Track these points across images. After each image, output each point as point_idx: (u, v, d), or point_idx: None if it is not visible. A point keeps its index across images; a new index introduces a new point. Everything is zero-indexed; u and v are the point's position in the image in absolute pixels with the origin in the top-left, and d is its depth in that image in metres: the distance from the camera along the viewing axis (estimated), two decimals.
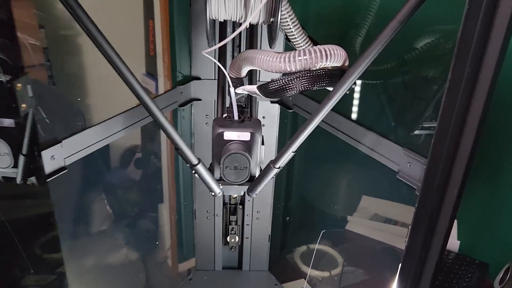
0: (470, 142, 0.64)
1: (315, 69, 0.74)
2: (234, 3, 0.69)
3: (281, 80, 0.73)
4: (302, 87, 0.73)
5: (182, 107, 1.18)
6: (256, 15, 0.71)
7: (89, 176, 1.19)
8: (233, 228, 1.43)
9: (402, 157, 0.89)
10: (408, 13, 0.62)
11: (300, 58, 0.72)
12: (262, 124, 1.30)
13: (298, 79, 0.73)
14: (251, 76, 1.06)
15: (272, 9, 0.69)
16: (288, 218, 1.60)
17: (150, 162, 1.41)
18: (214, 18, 0.73)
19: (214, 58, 0.92)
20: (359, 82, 1.08)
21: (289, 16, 0.87)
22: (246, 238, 1.45)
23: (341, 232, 1.55)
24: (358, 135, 0.98)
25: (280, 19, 0.87)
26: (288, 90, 0.74)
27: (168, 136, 0.77)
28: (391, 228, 1.46)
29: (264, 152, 0.86)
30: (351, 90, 0.77)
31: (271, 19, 0.73)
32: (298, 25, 0.88)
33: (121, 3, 1.19)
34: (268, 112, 1.25)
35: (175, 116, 1.27)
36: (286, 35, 0.91)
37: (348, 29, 1.10)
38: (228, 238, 1.45)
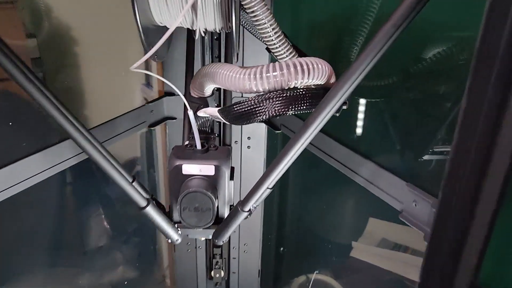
0: (501, 175, 0.46)
1: (291, 88, 0.57)
2: (178, 4, 0.53)
3: (247, 103, 0.57)
4: (275, 111, 0.57)
5: (153, 127, 1.02)
6: (208, 20, 0.55)
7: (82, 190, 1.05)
8: (217, 262, 1.26)
9: (406, 194, 0.72)
10: (406, 14, 0.46)
11: (270, 74, 0.56)
12: (247, 146, 1.16)
13: (269, 101, 0.57)
14: (225, 95, 0.90)
15: (228, 12, 0.53)
16: (282, 249, 1.43)
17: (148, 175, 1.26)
18: (159, 24, 0.57)
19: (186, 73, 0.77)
20: (354, 100, 0.92)
21: (268, 21, 0.71)
22: (233, 272, 1.28)
23: (344, 260, 1.39)
24: (353, 164, 0.82)
25: (258, 25, 0.72)
26: (256, 115, 0.58)
27: (108, 175, 0.61)
28: (401, 256, 1.30)
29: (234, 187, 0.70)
30: (340, 111, 0.60)
31: (229, 25, 0.57)
32: (279, 32, 0.72)
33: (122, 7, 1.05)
34: (254, 133, 1.09)
35: (149, 136, 1.11)
36: (267, 47, 0.76)
37: (342, 37, 0.93)
38: (212, 273, 1.28)
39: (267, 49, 0.77)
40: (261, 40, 0.76)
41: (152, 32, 0.55)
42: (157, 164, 1.17)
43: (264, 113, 0.57)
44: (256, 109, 0.57)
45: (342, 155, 0.84)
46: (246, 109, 0.58)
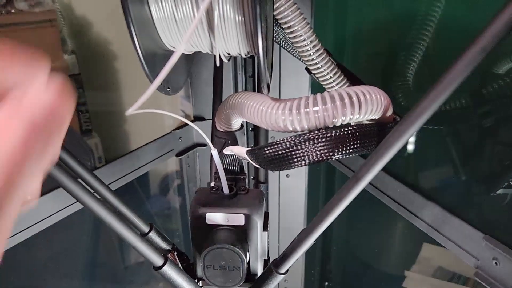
0: None
1: (337, 126, 0.45)
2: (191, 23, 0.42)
3: (281, 145, 0.46)
4: (317, 156, 0.45)
5: (180, 156, 0.92)
6: (230, 43, 0.44)
7: None
8: None
9: (484, 250, 0.57)
10: (498, 34, 0.32)
11: (310, 109, 0.44)
12: (286, 174, 1.03)
13: (309, 143, 0.45)
14: (258, 130, 0.78)
15: (253, 34, 0.41)
16: (326, 284, 1.29)
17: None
18: (170, 48, 0.47)
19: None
20: None
21: (307, 37, 0.60)
22: None
23: None
24: (412, 205, 0.68)
25: (295, 42, 0.61)
26: (293, 160, 0.46)
27: (114, 229, 0.51)
28: None
29: (269, 236, 0.58)
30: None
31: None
32: (320, 50, 0.61)
33: None
34: None
35: (180, 163, 1.02)
36: (306, 67, 0.64)
37: (395, 53, 0.80)
38: None
39: (307, 69, 0.65)
40: (299, 59, 0.65)
41: (160, 58, 0.45)
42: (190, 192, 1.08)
43: (303, 158, 0.45)
44: (293, 152, 0.45)
45: (399, 193, 0.70)
46: (281, 152, 0.46)
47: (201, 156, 0.97)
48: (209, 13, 0.41)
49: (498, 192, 0.73)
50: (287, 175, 0.98)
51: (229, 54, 0.47)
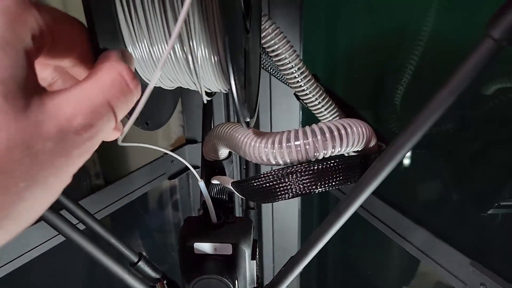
0: None
1: (320, 159, 0.46)
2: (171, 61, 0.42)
3: (265, 178, 0.46)
4: (300, 189, 0.46)
5: (173, 179, 0.93)
6: (208, 81, 0.44)
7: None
8: None
9: (470, 275, 0.57)
10: (468, 77, 0.33)
11: (291, 144, 0.44)
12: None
13: (292, 176, 0.45)
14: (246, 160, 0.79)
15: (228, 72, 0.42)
16: None
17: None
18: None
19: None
20: None
21: (295, 64, 0.61)
22: None
23: None
24: (402, 229, 0.68)
25: (283, 70, 0.62)
26: (277, 193, 0.46)
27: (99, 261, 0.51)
28: None
29: (256, 265, 0.58)
30: None
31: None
32: (308, 76, 0.62)
33: None
34: None
35: (173, 186, 1.02)
36: (295, 92, 0.65)
37: (383, 77, 0.81)
38: None
39: (295, 94, 0.66)
40: (288, 85, 0.66)
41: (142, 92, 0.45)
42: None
43: (287, 191, 0.46)
44: (278, 185, 0.46)
45: (388, 216, 0.70)
46: (265, 185, 0.46)
47: (193, 178, 0.98)
48: (185, 53, 0.41)
49: (489, 212, 0.73)
50: None
51: (210, 90, 0.48)
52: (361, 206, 0.65)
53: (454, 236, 0.63)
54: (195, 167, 0.95)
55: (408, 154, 0.74)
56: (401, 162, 0.77)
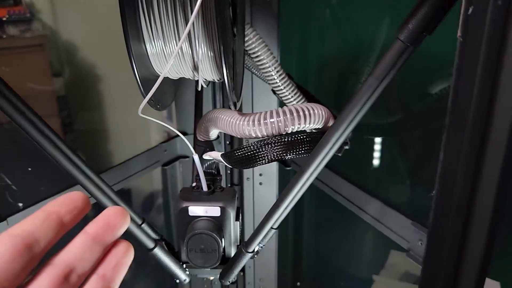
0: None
1: (289, 133, 0.60)
2: (176, 58, 0.56)
3: (247, 148, 0.60)
4: (274, 156, 0.59)
5: (166, 166, 1.05)
6: (205, 72, 0.58)
7: None
8: None
9: (412, 233, 0.72)
10: (389, 67, 0.48)
11: (267, 120, 0.58)
12: (259, 182, 1.17)
13: (268, 147, 0.59)
14: (232, 138, 0.93)
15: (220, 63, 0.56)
16: (298, 284, 1.42)
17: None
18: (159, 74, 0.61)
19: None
20: (361, 137, 0.93)
21: (271, 64, 0.75)
22: None
23: None
24: (360, 201, 0.82)
25: (262, 69, 0.75)
26: (257, 160, 0.60)
27: None
28: None
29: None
30: (342, 151, 0.62)
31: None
32: (283, 75, 0.75)
33: None
34: (266, 170, 1.11)
35: (163, 174, 1.14)
36: (272, 89, 0.79)
37: (348, 77, 0.96)
38: None
39: (273, 90, 0.80)
40: (266, 82, 0.79)
41: (152, 82, 0.59)
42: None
43: (264, 158, 0.59)
44: (257, 154, 0.59)
45: (349, 192, 0.85)
46: (247, 154, 0.60)
47: (184, 166, 1.10)
48: (190, 50, 0.55)
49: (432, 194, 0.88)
50: (260, 183, 1.12)
51: (206, 80, 0.61)
52: (326, 184, 0.79)
53: (400, 205, 0.77)
54: (185, 157, 1.09)
55: (369, 139, 0.88)
56: (360, 146, 0.92)
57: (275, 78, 0.76)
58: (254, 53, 0.74)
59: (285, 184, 1.16)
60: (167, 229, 1.25)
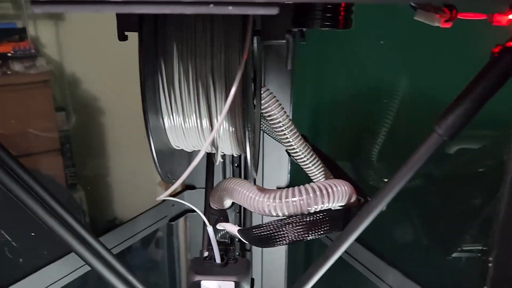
0: None
1: (311, 212, 0.57)
2: (195, 132, 0.54)
3: (266, 227, 0.56)
4: (295, 237, 0.56)
5: (173, 221, 1.02)
6: (224, 145, 0.56)
7: None
8: None
9: None
10: (425, 156, 0.45)
11: (289, 200, 0.55)
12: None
13: (289, 226, 0.56)
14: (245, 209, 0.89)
15: (243, 141, 0.53)
16: None
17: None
18: (175, 147, 0.59)
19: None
20: None
21: (287, 128, 0.72)
22: None
23: None
24: (379, 271, 0.78)
25: (276, 130, 0.73)
26: (276, 240, 0.57)
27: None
28: None
29: None
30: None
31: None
32: (299, 137, 0.73)
33: None
34: None
35: (169, 229, 1.11)
36: (286, 149, 0.76)
37: (362, 136, 0.93)
38: None
39: (287, 151, 0.77)
40: (280, 143, 0.77)
41: (166, 154, 0.57)
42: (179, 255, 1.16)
43: (284, 238, 0.56)
44: (276, 233, 0.56)
45: (367, 260, 0.81)
46: (266, 233, 0.57)
47: (191, 221, 1.07)
48: (210, 125, 0.53)
49: (453, 255, 0.84)
50: None
51: (223, 153, 0.59)
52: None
53: (422, 275, 0.73)
54: (193, 211, 1.05)
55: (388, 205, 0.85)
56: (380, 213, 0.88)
57: (290, 140, 0.73)
58: (269, 115, 0.72)
59: (295, 249, 1.13)
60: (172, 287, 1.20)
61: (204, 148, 0.44)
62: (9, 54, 2.12)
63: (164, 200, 1.00)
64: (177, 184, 0.43)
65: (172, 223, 1.02)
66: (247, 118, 0.48)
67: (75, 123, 2.32)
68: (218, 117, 0.52)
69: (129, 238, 0.90)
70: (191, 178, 1.03)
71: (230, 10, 0.28)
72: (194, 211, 1.04)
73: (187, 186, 1.04)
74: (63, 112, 2.40)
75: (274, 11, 0.28)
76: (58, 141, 2.31)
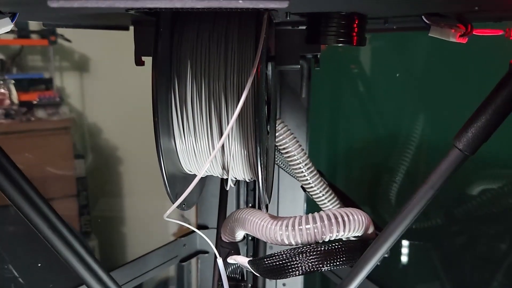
0: None
1: (326, 241, 0.54)
2: (206, 154, 0.53)
3: (278, 256, 0.54)
4: (309, 267, 0.53)
5: (183, 263, 0.98)
6: (236, 170, 0.54)
7: None
8: None
9: None
10: (445, 175, 0.43)
11: (302, 227, 0.53)
12: (283, 283, 1.09)
13: (302, 256, 0.53)
14: (257, 241, 0.87)
15: (254, 162, 0.52)
16: None
17: None
18: (187, 172, 0.57)
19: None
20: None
21: (302, 161, 0.71)
22: None
23: None
24: None
25: (292, 165, 0.72)
26: (288, 271, 0.54)
27: None
28: None
29: None
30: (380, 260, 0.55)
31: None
32: (314, 172, 0.71)
33: None
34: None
35: (180, 270, 1.07)
36: (301, 185, 0.74)
37: (380, 174, 0.91)
38: None
39: (302, 187, 0.75)
40: (296, 178, 0.75)
41: (179, 179, 0.55)
42: None
43: (297, 268, 0.53)
44: (289, 263, 0.53)
45: None
46: (278, 263, 0.54)
47: (203, 263, 1.03)
48: (222, 149, 0.52)
49: None
50: (284, 284, 1.03)
51: (235, 178, 0.57)
52: None
53: None
54: (205, 252, 1.02)
55: (405, 243, 0.82)
56: (396, 251, 0.84)
57: (306, 174, 0.72)
58: (284, 148, 0.71)
59: (310, 284, 1.08)
60: None
61: (208, 161, 0.42)
62: (35, 102, 2.21)
63: (174, 240, 0.98)
64: (178, 202, 0.42)
65: (183, 263, 0.98)
66: (259, 139, 0.47)
67: (93, 170, 2.34)
68: (231, 139, 0.52)
69: (139, 276, 0.87)
70: (204, 217, 1.01)
71: (240, 3, 0.28)
72: (206, 252, 1.02)
73: (199, 226, 1.02)
74: (82, 159, 2.44)
75: (284, 4, 0.28)
76: (75, 187, 2.34)
